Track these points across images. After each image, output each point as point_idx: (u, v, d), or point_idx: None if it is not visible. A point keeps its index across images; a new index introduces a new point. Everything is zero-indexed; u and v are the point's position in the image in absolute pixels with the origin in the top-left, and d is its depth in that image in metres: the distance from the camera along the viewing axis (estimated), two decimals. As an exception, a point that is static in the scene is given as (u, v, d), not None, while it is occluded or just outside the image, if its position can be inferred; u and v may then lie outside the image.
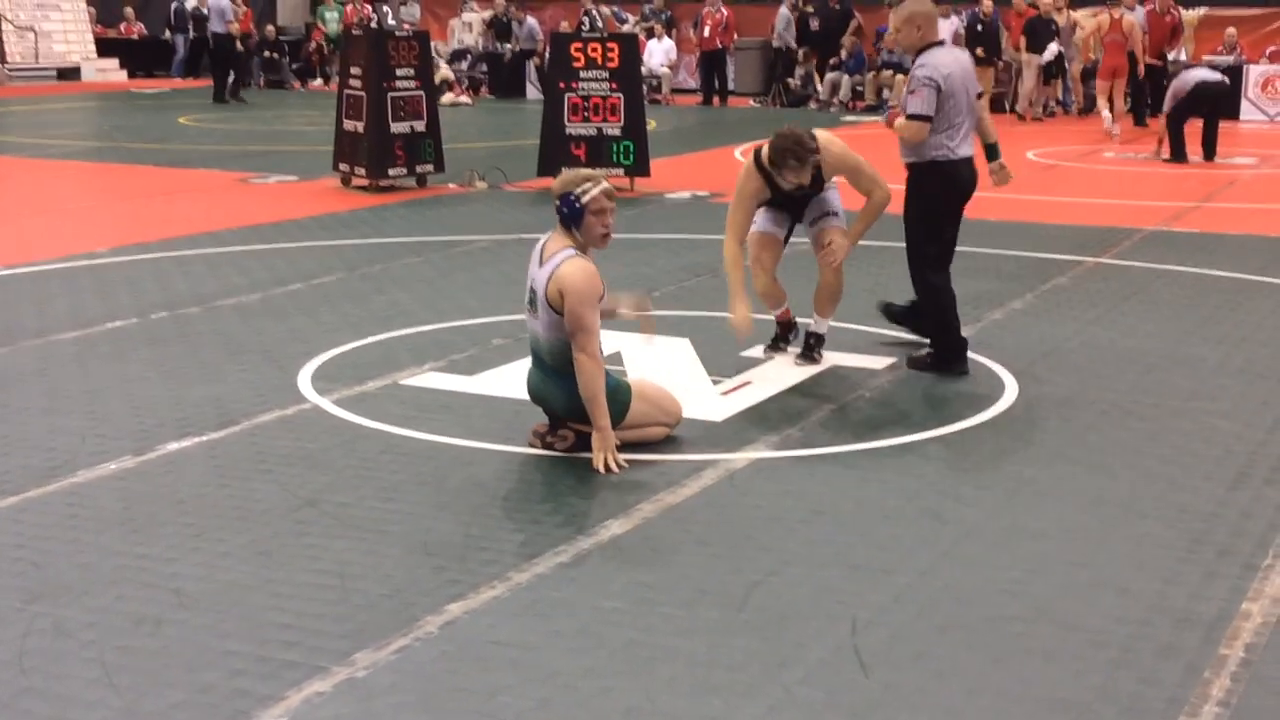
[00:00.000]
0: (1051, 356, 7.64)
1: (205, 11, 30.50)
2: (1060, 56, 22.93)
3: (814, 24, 26.19)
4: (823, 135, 7.13)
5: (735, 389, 6.94)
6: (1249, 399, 6.89)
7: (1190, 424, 6.49)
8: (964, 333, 7.38)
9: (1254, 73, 23.43)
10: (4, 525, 5.16)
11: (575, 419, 5.86)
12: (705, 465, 5.83)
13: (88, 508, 5.32)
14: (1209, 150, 17.35)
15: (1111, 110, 20.16)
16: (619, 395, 5.89)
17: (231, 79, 25.26)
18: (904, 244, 7.37)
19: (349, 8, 27.19)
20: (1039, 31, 22.63)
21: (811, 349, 7.45)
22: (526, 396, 6.55)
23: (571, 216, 5.84)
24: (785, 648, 4.20)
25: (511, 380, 7.05)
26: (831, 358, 7.49)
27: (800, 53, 26.54)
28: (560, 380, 5.85)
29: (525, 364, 7.25)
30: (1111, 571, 4.79)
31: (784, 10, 25.85)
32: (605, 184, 5.91)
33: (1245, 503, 5.46)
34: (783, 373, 7.23)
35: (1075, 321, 8.49)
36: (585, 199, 5.81)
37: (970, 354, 7.49)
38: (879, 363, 7.48)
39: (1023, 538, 5.09)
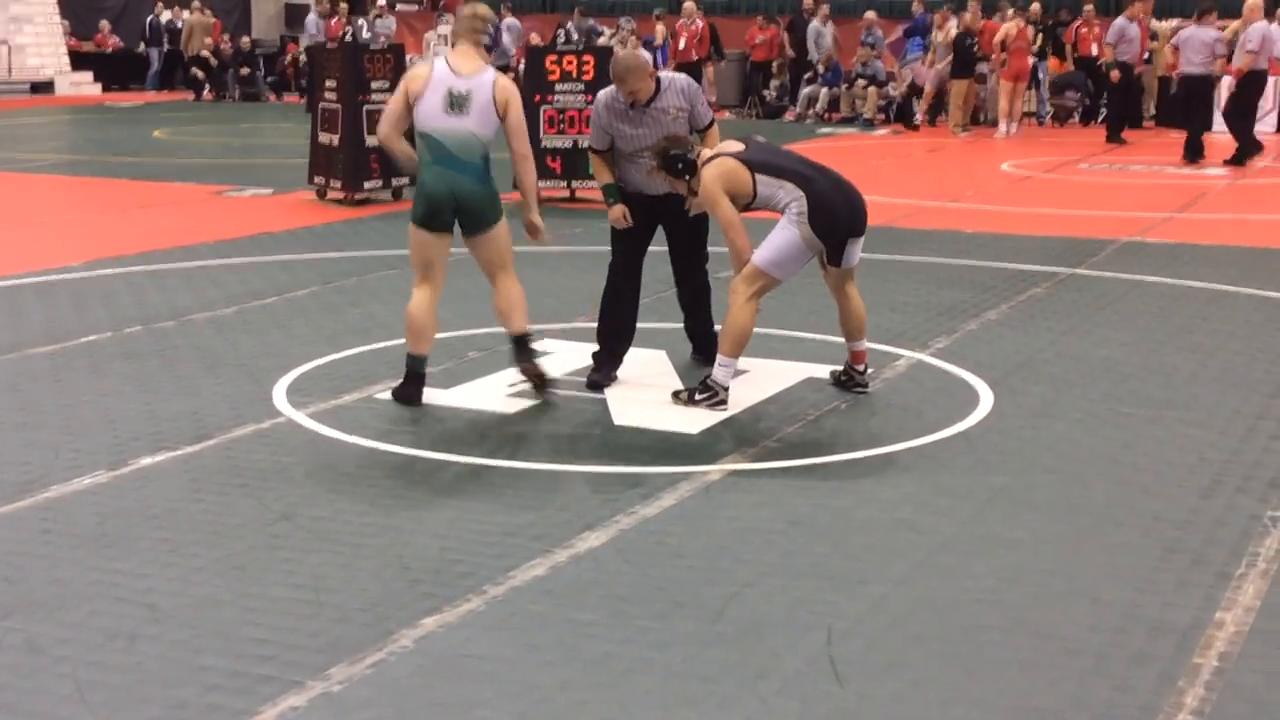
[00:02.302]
0: (1026, 367, 7.67)
1: (179, 25, 30.52)
2: (1035, 68, 23.09)
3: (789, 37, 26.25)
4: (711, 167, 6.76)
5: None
6: (1222, 408, 6.93)
7: (1164, 433, 6.52)
8: (940, 343, 7.35)
9: (1226, 84, 23.49)
10: (-24, 541, 5.13)
11: (477, 204, 6.86)
12: (681, 477, 5.84)
13: (61, 523, 5.29)
14: (1190, 152, 17.75)
15: (1011, 115, 21.78)
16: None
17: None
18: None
19: (333, 21, 27.18)
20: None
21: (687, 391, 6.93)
22: (505, 409, 6.55)
23: (495, 43, 6.74)
24: (761, 659, 4.20)
25: (488, 393, 7.04)
26: (807, 369, 7.50)
27: (775, 65, 26.59)
28: (475, 170, 6.76)
29: (502, 376, 7.29)
30: (1086, 580, 4.80)
31: (815, 24, 25.43)
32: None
33: (1219, 511, 5.49)
34: (757, 385, 7.23)
35: (1050, 332, 8.52)
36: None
37: (946, 364, 7.55)
38: (854, 374, 7.49)
39: (997, 547, 5.11)
